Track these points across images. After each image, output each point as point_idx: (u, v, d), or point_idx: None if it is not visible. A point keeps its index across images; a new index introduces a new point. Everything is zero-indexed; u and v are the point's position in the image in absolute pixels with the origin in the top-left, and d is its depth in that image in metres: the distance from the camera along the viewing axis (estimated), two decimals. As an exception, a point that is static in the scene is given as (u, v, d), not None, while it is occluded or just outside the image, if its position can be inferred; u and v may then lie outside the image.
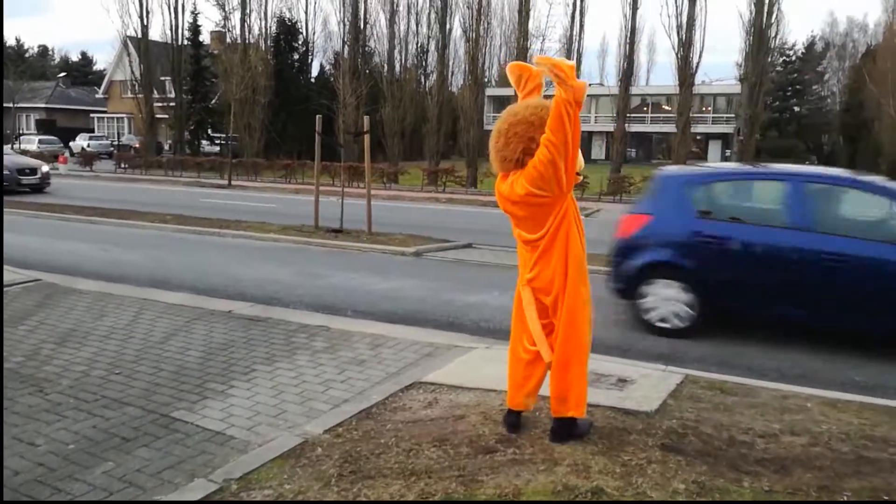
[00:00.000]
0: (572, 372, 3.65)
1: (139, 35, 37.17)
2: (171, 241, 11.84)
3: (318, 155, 13.62)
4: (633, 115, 38.79)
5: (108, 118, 54.80)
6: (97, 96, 56.71)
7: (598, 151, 52.96)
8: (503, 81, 50.69)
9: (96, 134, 51.42)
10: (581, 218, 3.67)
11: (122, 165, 33.60)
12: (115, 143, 46.24)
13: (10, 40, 74.79)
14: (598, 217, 19.57)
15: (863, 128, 45.57)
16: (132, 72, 37.86)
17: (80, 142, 45.86)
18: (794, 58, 57.79)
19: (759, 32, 25.66)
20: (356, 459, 3.56)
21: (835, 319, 6.17)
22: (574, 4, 31.70)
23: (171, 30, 37.92)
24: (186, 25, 39.37)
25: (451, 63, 41.37)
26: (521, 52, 30.78)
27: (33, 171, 20.26)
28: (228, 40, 39.46)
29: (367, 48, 40.35)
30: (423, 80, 45.16)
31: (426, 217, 17.12)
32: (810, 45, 59.48)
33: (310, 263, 10.02)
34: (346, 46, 38.93)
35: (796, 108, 57.38)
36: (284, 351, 5.45)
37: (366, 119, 13.75)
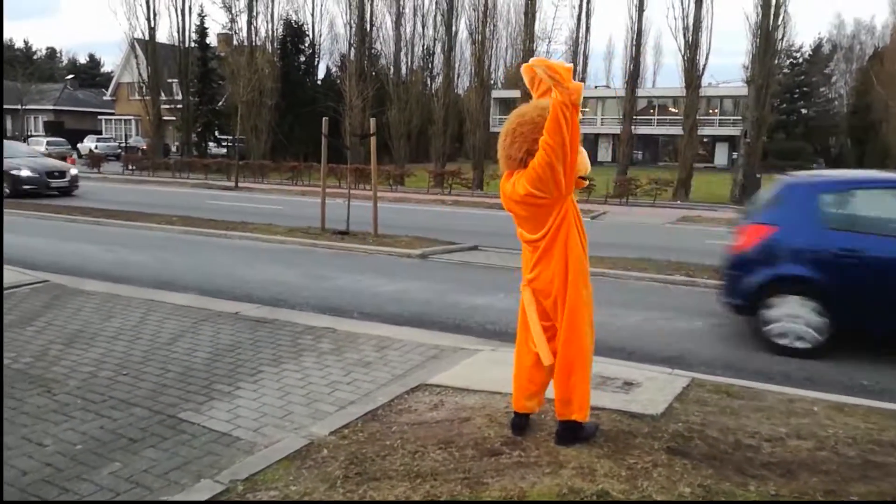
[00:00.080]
0: (575, 375, 3.65)
1: (146, 37, 37.38)
2: (177, 242, 11.88)
3: (324, 157, 13.65)
4: (639, 117, 38.64)
5: (115, 120, 55.05)
6: (105, 98, 57.01)
7: (604, 153, 52.94)
8: (509, 84, 50.83)
9: (104, 136, 51.75)
10: (582, 220, 3.66)
11: (130, 167, 33.73)
12: (123, 144, 46.49)
13: (18, 42, 75.47)
14: (605, 219, 19.56)
15: (870, 130, 45.42)
16: (139, 74, 38.08)
17: (88, 144, 46.11)
18: (801, 60, 57.61)
19: (766, 34, 25.56)
20: (362, 461, 3.57)
21: None
22: (580, 6, 31.68)
23: (178, 32, 38.19)
24: (193, 28, 39.62)
25: (457, 65, 41.42)
26: (527, 55, 30.75)
27: (62, 174, 19.95)
28: (235, 43, 39.63)
29: (373, 50, 40.39)
30: (429, 82, 45.21)
31: (432, 219, 17.13)
32: (817, 48, 59.30)
33: (316, 265, 10.04)
34: (352, 49, 38.99)
35: (803, 111, 57.19)
36: (291, 352, 5.47)
37: (372, 121, 13.80)
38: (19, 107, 49.77)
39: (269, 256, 10.67)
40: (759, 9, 25.62)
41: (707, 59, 27.56)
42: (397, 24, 39.86)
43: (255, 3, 38.61)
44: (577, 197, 3.81)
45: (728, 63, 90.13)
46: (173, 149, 43.40)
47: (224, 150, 42.08)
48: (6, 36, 72.82)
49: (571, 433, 3.74)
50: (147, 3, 36.73)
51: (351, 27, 38.98)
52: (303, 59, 44.89)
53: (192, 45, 39.70)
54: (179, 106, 38.92)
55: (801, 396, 4.72)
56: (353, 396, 4.55)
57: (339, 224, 12.78)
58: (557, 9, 72.18)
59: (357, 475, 3.41)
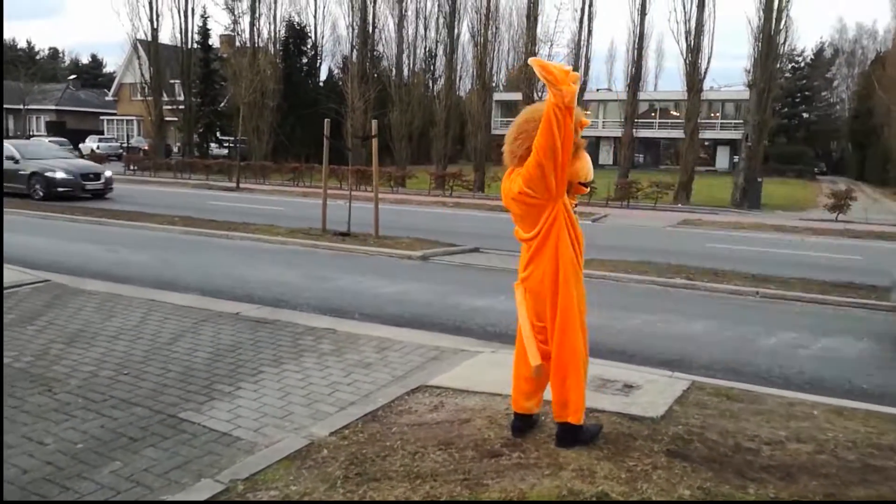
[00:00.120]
0: (570, 378, 3.65)
1: (149, 38, 37.47)
2: (179, 242, 11.90)
3: (326, 158, 13.68)
4: (641, 120, 38.67)
5: (117, 120, 55.11)
6: (107, 98, 57.05)
7: (605, 156, 52.97)
8: (511, 86, 50.86)
9: (106, 136, 51.76)
10: (577, 223, 3.65)
11: (132, 168, 33.78)
12: (125, 145, 46.51)
13: (21, 42, 75.62)
14: (606, 222, 19.57)
15: (872, 134, 45.43)
16: (142, 74, 38.14)
17: (90, 144, 46.13)
18: (802, 64, 57.70)
19: (768, 39, 25.57)
20: (362, 462, 3.57)
21: None
22: (582, 10, 31.63)
23: (180, 33, 38.27)
24: (196, 29, 39.69)
25: (459, 67, 41.46)
26: (530, 58, 30.76)
27: (97, 175, 19.45)
28: (238, 44, 39.70)
29: (375, 52, 40.45)
30: (431, 84, 45.25)
31: (433, 221, 17.14)
32: (819, 52, 59.38)
33: (317, 266, 10.05)
34: (354, 50, 39.04)
35: (805, 115, 57.25)
36: (291, 353, 5.47)
37: (374, 123, 13.82)
38: (21, 107, 49.87)
39: (270, 257, 10.68)
40: (762, 13, 25.64)
41: (709, 62, 27.64)
42: (399, 26, 39.92)
43: (257, 4, 38.72)
44: (578, 200, 3.82)
45: (730, 67, 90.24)
46: (175, 149, 43.43)
47: (226, 151, 42.13)
48: (8, 36, 72.99)
49: (571, 435, 3.74)
50: (150, 4, 36.87)
51: (353, 29, 39.06)
52: (305, 60, 44.96)
53: (195, 46, 39.79)
54: (181, 107, 38.99)
55: (800, 400, 4.73)
56: (353, 397, 4.56)
57: (340, 225, 12.79)
58: (560, 12, 72.25)
59: (357, 475, 3.42)
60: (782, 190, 34.07)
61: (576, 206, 3.72)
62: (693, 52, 27.23)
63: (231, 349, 5.54)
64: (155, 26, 36.95)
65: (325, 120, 13.83)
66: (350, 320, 6.78)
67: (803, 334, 7.05)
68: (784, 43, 27.00)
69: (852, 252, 14.61)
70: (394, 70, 40.80)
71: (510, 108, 48.00)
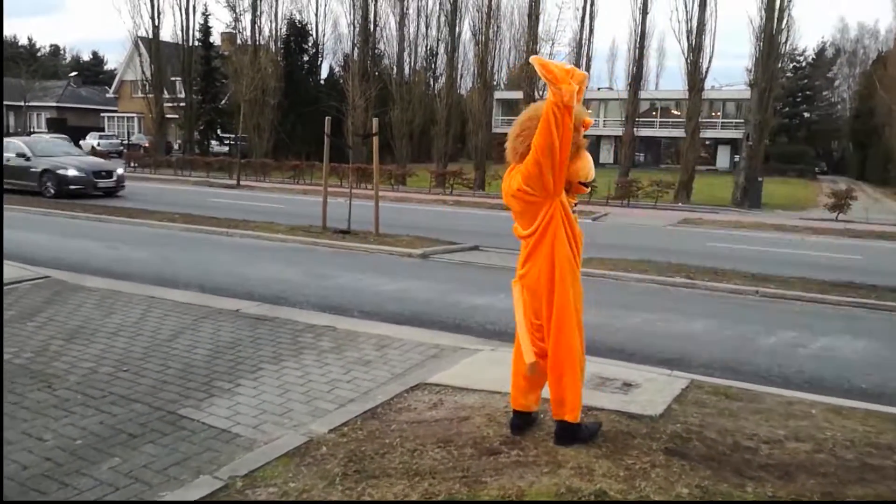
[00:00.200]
0: (567, 376, 3.65)
1: (150, 35, 37.46)
2: (179, 239, 11.90)
3: (326, 156, 13.68)
4: (641, 119, 38.66)
5: (118, 117, 55.11)
6: (108, 96, 57.07)
7: (606, 155, 52.92)
8: (512, 85, 50.83)
9: (106, 133, 51.74)
10: (574, 222, 3.64)
11: (132, 164, 33.79)
12: (126, 142, 46.50)
13: (22, 39, 75.56)
14: (606, 221, 19.57)
15: (873, 134, 45.40)
16: (143, 72, 38.17)
17: (91, 141, 46.15)
18: (804, 64, 57.65)
19: (770, 38, 25.55)
20: (361, 459, 3.58)
21: None
22: (584, 8, 31.64)
23: (181, 31, 38.29)
24: (197, 26, 39.66)
25: (460, 66, 41.40)
26: (531, 56, 30.74)
27: (109, 173, 19.24)
28: (239, 41, 39.70)
29: (376, 50, 40.44)
30: (432, 82, 45.24)
31: (433, 219, 17.15)
32: (821, 51, 59.34)
33: (317, 264, 10.05)
34: (355, 48, 39.06)
35: (806, 114, 57.21)
36: (291, 350, 5.48)
37: (374, 121, 13.81)
38: (22, 103, 49.90)
39: (271, 254, 10.69)
40: (763, 12, 25.64)
41: (710, 62, 27.74)
42: (401, 24, 39.89)
43: (259, 2, 38.73)
44: (578, 199, 3.82)
45: (731, 66, 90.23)
46: (175, 146, 43.44)
47: (226, 149, 42.14)
48: (9, 33, 72.93)
49: (570, 433, 3.75)
50: (151, 1, 36.87)
51: (354, 27, 39.09)
52: (306, 58, 44.95)
53: (196, 43, 39.77)
54: (182, 104, 39.00)
55: (799, 399, 4.73)
56: (352, 394, 4.56)
57: (340, 223, 12.80)
58: (561, 10, 72.35)
59: (356, 473, 3.42)
60: (783, 189, 34.06)
61: (576, 205, 3.72)
62: (694, 52, 27.22)
63: (231, 346, 5.54)
64: (156, 23, 36.98)
65: (326, 118, 13.83)
66: (350, 318, 6.79)
67: (803, 333, 7.05)
68: (785, 42, 27.02)
69: (852, 252, 14.61)
70: (395, 68, 40.78)
71: (511, 107, 47.97)
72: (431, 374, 4.95)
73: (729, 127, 50.71)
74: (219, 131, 42.64)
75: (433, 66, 44.91)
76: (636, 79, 30.96)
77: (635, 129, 31.32)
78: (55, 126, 52.58)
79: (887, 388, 5.41)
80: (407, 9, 39.68)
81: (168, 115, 39.17)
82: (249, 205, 18.71)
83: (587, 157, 3.66)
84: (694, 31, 27.05)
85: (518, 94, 35.29)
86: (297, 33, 43.72)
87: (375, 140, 13.30)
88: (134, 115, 52.13)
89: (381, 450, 3.69)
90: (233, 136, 38.16)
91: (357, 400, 4.46)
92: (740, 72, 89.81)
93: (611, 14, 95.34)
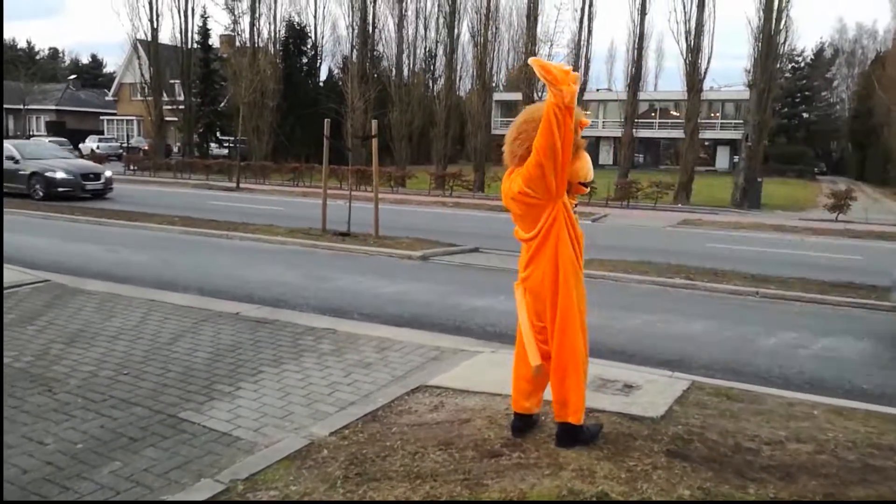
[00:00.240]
0: (570, 377, 3.65)
1: (149, 38, 37.47)
2: (179, 242, 11.90)
3: (326, 158, 13.68)
4: (641, 120, 38.65)
5: (117, 120, 55.12)
6: (107, 99, 57.08)
7: (605, 156, 52.98)
8: (511, 86, 50.86)
9: (106, 136, 51.77)
10: (576, 224, 3.65)
11: (132, 168, 33.78)
12: (125, 145, 46.51)
13: (21, 42, 75.57)
14: (606, 222, 19.58)
15: (872, 134, 45.45)
16: (142, 74, 38.15)
17: (90, 144, 46.14)
18: (802, 64, 57.69)
19: (768, 39, 25.57)
20: (362, 462, 3.57)
21: None
22: (582, 10, 31.60)
23: (180, 33, 38.29)
24: (196, 29, 39.71)
25: (459, 67, 41.42)
26: (530, 58, 30.73)
27: (97, 176, 19.49)
28: (238, 44, 39.70)
29: (375, 52, 40.44)
30: (431, 84, 45.25)
31: (433, 221, 17.14)
32: (819, 52, 59.39)
33: (317, 266, 10.05)
34: (354, 50, 39.04)
35: (805, 115, 57.25)
36: (291, 353, 5.47)
37: (374, 123, 13.82)
38: (22, 107, 49.89)
39: (270, 257, 10.68)
40: (762, 13, 25.64)
41: (709, 62, 27.64)
42: (399, 26, 39.91)
43: (257, 4, 38.72)
44: (578, 200, 3.82)
45: (730, 67, 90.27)
46: (175, 149, 43.44)
47: (225, 151, 42.14)
48: (8, 36, 72.96)
49: (571, 435, 3.74)
50: (150, 4, 36.89)
51: (353, 29, 39.07)
52: (305, 60, 44.96)
53: (195, 46, 39.82)
54: (181, 107, 38.99)
55: (800, 400, 4.73)
56: (353, 397, 4.56)
57: (340, 225, 12.79)
58: (560, 12, 72.19)
59: (357, 476, 3.42)
60: (782, 190, 34.08)
61: (575, 206, 3.72)
62: (693, 52, 27.23)
63: (231, 349, 5.54)
64: (155, 26, 37.00)
65: (325, 120, 13.83)
66: (350, 320, 6.78)
67: (803, 334, 7.05)
68: (784, 43, 27.02)
69: (852, 252, 14.61)
70: (394, 70, 40.79)
71: (510, 108, 48.00)
72: (432, 377, 4.95)
73: (728, 128, 50.77)
74: (218, 134, 42.68)
75: (432, 67, 44.96)
76: (635, 80, 30.98)
77: (634, 131, 31.30)
78: (54, 129, 52.62)
79: (888, 389, 5.41)
80: (405, 11, 39.71)
81: (167, 118, 39.16)
82: (249, 207, 18.71)
83: (586, 157, 3.66)
84: (692, 32, 27.06)
85: (517, 96, 35.32)
86: (296, 35, 43.74)
87: (375, 142, 13.30)
88: (133, 117, 52.11)
89: (382, 452, 3.69)
90: (232, 138, 38.19)
91: (358, 402, 4.46)
92: (739, 72, 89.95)
93: (609, 15, 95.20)
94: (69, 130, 52.14)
